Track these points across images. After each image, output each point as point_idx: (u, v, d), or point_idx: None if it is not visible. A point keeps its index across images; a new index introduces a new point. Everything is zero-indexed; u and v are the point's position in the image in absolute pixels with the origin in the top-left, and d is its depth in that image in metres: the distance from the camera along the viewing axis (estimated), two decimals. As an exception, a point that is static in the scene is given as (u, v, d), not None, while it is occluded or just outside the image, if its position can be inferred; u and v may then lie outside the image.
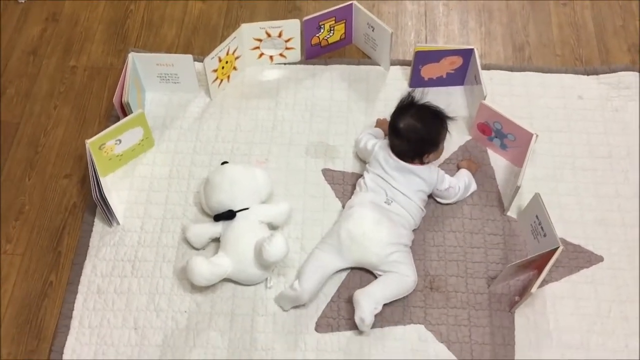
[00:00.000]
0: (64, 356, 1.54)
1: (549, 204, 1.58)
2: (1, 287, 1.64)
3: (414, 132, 1.63)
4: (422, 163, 1.67)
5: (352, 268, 1.63)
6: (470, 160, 1.79)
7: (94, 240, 1.69)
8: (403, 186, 1.63)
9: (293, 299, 1.55)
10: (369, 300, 1.50)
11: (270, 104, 1.92)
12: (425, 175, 1.65)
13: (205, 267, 1.53)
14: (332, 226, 1.67)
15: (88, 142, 1.63)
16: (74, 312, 1.59)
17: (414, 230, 1.66)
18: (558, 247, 1.49)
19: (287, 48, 1.97)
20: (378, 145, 1.71)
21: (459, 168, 1.77)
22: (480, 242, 1.68)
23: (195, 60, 1.88)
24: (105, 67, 2.03)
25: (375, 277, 1.59)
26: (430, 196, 1.71)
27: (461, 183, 1.70)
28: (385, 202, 1.62)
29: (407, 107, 1.68)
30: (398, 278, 1.55)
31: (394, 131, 1.66)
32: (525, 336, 1.55)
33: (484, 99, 1.74)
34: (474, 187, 1.74)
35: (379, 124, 1.85)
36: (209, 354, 1.54)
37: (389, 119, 1.83)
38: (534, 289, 1.45)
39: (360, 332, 1.55)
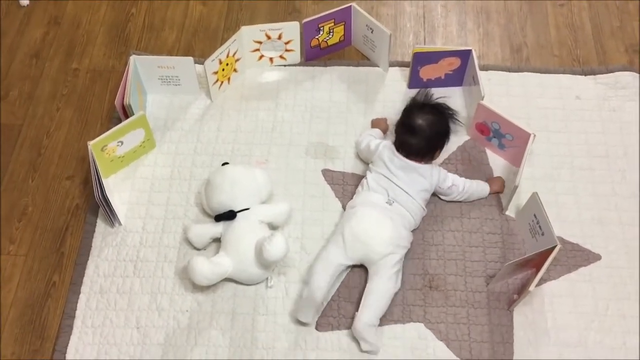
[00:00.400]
0: (67, 355, 1.55)
1: (547, 203, 1.59)
2: (5, 287, 1.66)
3: (432, 127, 1.66)
4: (430, 160, 1.69)
5: (354, 266, 1.64)
6: (502, 184, 1.77)
7: (97, 240, 1.71)
8: (407, 185, 1.64)
9: (308, 302, 1.55)
10: (370, 331, 1.52)
11: (270, 105, 1.94)
12: (428, 174, 1.66)
13: (206, 267, 1.54)
14: (334, 227, 1.69)
15: (90, 143, 1.65)
16: (77, 312, 1.61)
17: (413, 231, 1.67)
18: (556, 245, 1.50)
19: (286, 50, 1.98)
20: (383, 145, 1.72)
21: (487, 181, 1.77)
22: (479, 241, 1.69)
23: (195, 62, 1.89)
24: (107, 70, 2.05)
25: (367, 273, 1.60)
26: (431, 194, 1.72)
27: (467, 182, 1.71)
28: (387, 202, 1.63)
29: (419, 105, 1.71)
30: (385, 291, 1.55)
31: (410, 129, 1.66)
32: (523, 334, 1.56)
33: (482, 100, 1.75)
34: (485, 194, 1.74)
35: (375, 124, 1.86)
36: (210, 352, 1.55)
37: (386, 119, 1.86)
38: (532, 287, 1.45)
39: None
